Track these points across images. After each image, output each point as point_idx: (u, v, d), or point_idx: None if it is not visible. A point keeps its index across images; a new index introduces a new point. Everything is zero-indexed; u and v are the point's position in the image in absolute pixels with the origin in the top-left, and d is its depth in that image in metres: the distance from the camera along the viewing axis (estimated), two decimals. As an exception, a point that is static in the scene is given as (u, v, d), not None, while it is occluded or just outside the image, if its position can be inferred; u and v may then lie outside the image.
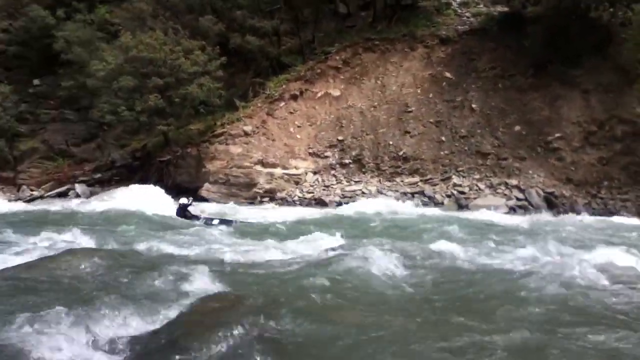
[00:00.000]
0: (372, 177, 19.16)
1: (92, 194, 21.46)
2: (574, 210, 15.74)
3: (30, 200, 21.47)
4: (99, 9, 27.29)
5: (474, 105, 19.43)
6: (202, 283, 5.58)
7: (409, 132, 19.67)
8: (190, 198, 14.88)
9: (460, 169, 18.22)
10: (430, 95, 20.28)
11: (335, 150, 20.21)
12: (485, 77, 20.00)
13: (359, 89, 21.36)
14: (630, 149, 16.76)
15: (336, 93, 21.45)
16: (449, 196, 17.32)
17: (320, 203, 17.96)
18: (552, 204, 16.35)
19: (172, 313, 4.61)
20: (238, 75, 24.26)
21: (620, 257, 6.97)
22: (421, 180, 18.40)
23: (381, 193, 17.98)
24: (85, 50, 23.93)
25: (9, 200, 20.69)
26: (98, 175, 23.57)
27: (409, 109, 20.14)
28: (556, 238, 8.83)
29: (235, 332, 3.80)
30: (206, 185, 19.53)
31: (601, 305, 5.02)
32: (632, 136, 16.86)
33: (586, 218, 14.13)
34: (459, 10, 23.13)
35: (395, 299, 5.28)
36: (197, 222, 13.02)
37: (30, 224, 11.81)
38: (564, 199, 16.51)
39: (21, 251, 7.81)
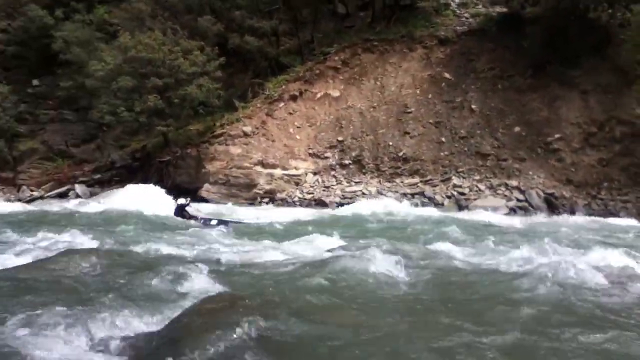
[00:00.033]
0: (372, 177, 19.18)
1: (92, 194, 21.50)
2: (574, 211, 15.79)
3: (30, 200, 21.46)
4: (98, 9, 27.33)
5: (473, 106, 19.46)
6: (200, 283, 5.59)
7: (408, 133, 19.70)
8: (188, 198, 14.89)
9: (460, 169, 18.25)
10: (430, 96, 20.31)
11: (335, 151, 20.22)
12: (484, 77, 20.04)
13: (358, 90, 21.37)
14: (629, 150, 16.81)
15: (335, 94, 21.47)
16: (449, 197, 17.35)
17: (321, 204, 17.99)
18: (552, 205, 16.39)
19: (171, 313, 4.61)
20: (237, 75, 24.28)
21: (616, 258, 7.00)
22: (421, 181, 18.44)
23: (381, 194, 18.02)
24: (83, 51, 23.96)
25: (9, 201, 20.69)
26: (98, 176, 23.62)
27: (409, 110, 20.16)
28: (554, 239, 8.84)
29: (234, 332, 3.81)
30: (206, 185, 19.55)
31: (594, 305, 5.05)
32: (631, 137, 16.91)
33: (586, 219, 14.15)
34: (458, 11, 23.17)
35: (392, 299, 5.31)
36: (195, 223, 13.03)
37: (29, 225, 11.80)
38: (564, 200, 16.55)
39: (21, 251, 7.78)
